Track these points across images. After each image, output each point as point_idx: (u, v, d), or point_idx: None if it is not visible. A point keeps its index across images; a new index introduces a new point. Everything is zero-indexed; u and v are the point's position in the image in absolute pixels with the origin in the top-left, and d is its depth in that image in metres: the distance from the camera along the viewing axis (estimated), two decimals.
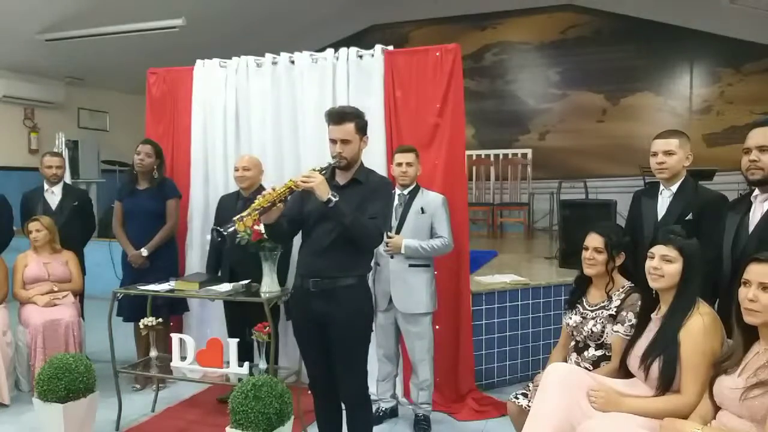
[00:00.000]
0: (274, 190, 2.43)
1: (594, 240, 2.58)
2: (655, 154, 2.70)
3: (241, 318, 3.56)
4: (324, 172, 2.48)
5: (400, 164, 3.34)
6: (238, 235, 2.45)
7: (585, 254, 2.60)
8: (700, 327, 2.09)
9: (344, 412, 2.71)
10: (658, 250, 2.20)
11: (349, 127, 2.52)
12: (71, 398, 2.93)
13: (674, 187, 2.69)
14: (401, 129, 3.81)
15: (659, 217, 2.71)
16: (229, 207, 3.72)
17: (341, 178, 2.60)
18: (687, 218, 2.59)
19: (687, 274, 2.16)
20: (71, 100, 8.18)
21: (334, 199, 2.39)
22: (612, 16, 8.35)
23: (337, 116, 2.54)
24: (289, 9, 8.01)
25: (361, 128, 2.57)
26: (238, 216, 2.35)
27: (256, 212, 2.35)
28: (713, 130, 7.90)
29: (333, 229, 2.47)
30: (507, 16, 8.98)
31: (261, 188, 3.72)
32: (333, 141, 2.54)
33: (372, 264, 3.43)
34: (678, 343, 2.10)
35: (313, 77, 3.96)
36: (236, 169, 3.72)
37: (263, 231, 2.93)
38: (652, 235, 2.54)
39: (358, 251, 2.54)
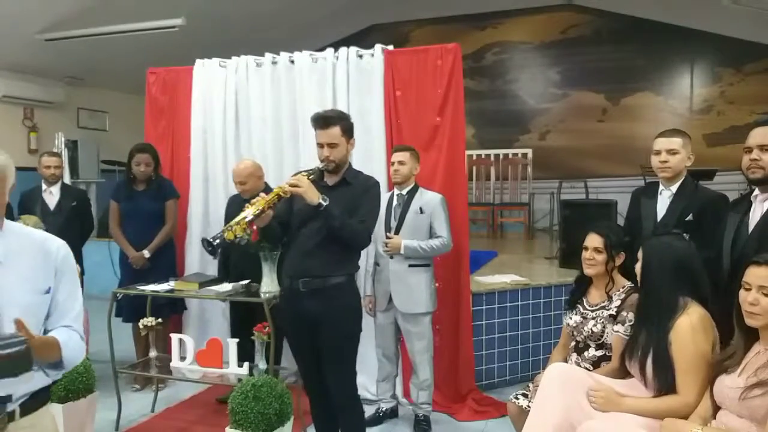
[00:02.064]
0: (262, 197, 2.44)
1: (593, 240, 2.58)
2: (658, 153, 2.68)
3: (246, 318, 3.54)
4: (311, 175, 2.51)
5: (393, 163, 3.36)
6: (238, 237, 2.45)
7: (585, 254, 2.60)
8: (687, 326, 2.09)
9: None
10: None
11: (335, 130, 2.54)
12: (71, 398, 2.93)
13: (674, 187, 2.69)
14: (401, 129, 3.81)
15: (659, 217, 2.70)
16: (235, 208, 3.72)
17: (330, 179, 2.63)
18: (687, 218, 2.59)
19: (646, 270, 2.21)
20: (71, 100, 8.17)
21: (324, 203, 2.42)
22: (612, 16, 8.35)
23: (323, 121, 2.56)
24: (289, 9, 8.01)
25: (347, 131, 2.59)
26: (226, 225, 2.37)
27: (245, 221, 2.37)
28: (714, 130, 7.89)
29: (321, 229, 2.49)
30: (507, 15, 8.97)
31: (267, 187, 3.71)
32: (320, 145, 2.56)
33: (372, 264, 3.45)
34: (669, 344, 2.11)
35: (312, 77, 3.96)
36: (235, 183, 3.68)
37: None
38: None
39: (346, 250, 2.57)
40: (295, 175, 2.57)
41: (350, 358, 2.65)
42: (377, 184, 2.69)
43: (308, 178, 2.48)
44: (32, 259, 1.62)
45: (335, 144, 2.54)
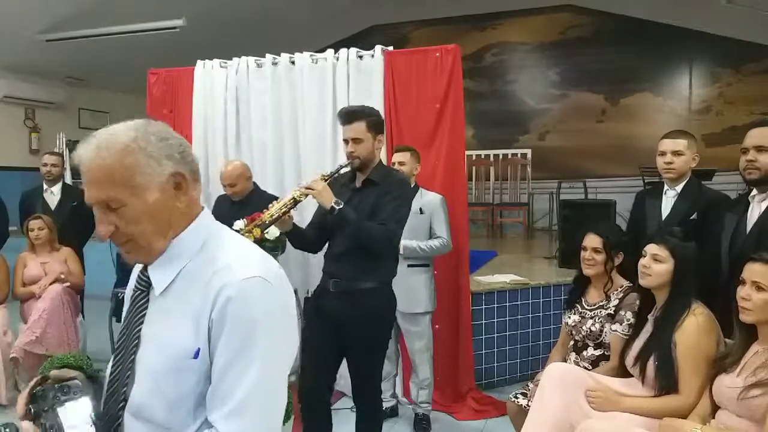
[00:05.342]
0: (279, 202, 2.42)
1: (592, 240, 2.59)
2: (663, 154, 2.68)
3: None
4: (332, 177, 2.48)
5: (393, 164, 3.36)
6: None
7: (583, 254, 2.61)
8: (694, 327, 2.10)
9: (334, 424, 2.69)
10: (650, 248, 2.24)
11: (360, 125, 2.49)
12: None
13: (679, 187, 2.68)
14: (401, 129, 3.81)
15: (663, 216, 2.70)
16: (224, 208, 3.76)
17: (358, 180, 2.58)
18: (691, 218, 2.59)
19: (678, 275, 2.18)
20: (72, 101, 8.19)
21: (337, 207, 2.37)
22: (612, 16, 8.36)
23: (346, 116, 2.53)
24: (289, 9, 8.02)
25: (374, 126, 2.53)
26: (236, 230, 2.34)
27: (258, 228, 2.37)
28: (712, 130, 7.90)
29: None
30: (507, 16, 8.99)
31: (256, 187, 3.74)
32: (345, 141, 2.53)
33: None
34: (674, 344, 2.12)
35: (313, 78, 3.97)
36: (223, 185, 3.70)
37: (266, 232, 2.94)
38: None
39: (374, 255, 2.49)
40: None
41: (376, 363, 2.60)
42: (404, 183, 2.62)
43: (325, 180, 2.44)
44: (189, 298, 1.03)
45: (359, 139, 2.48)
